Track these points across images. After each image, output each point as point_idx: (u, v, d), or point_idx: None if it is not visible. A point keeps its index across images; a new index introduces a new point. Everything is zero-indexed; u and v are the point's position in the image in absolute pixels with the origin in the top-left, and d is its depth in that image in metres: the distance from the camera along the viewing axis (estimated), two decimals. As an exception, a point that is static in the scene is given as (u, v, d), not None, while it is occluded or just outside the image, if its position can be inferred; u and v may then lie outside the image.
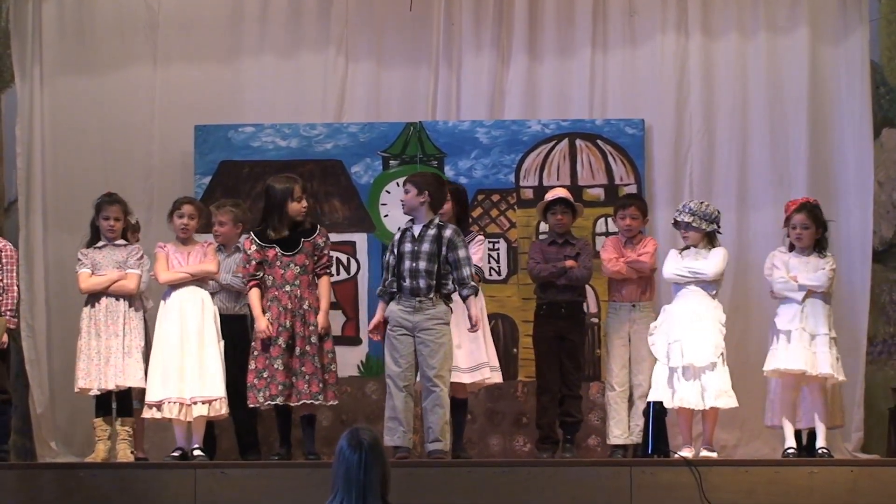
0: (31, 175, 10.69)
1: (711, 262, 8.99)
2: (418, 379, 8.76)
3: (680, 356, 8.85)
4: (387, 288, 8.82)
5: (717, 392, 8.80)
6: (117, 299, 9.09)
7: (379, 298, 8.95)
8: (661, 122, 10.76)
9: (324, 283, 9.07)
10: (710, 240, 9.09)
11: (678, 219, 9.14)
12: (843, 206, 10.33)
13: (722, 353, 8.88)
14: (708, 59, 10.79)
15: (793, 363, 8.81)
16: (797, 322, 8.85)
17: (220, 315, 9.15)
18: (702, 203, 9.16)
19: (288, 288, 8.99)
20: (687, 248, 9.10)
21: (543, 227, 10.10)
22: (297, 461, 8.92)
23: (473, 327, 8.75)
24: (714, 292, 9.01)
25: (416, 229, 8.77)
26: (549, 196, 9.65)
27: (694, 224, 9.02)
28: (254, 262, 8.99)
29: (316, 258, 9.07)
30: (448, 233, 8.72)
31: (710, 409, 8.84)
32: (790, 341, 8.84)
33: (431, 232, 8.73)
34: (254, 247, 9.01)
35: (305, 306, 8.97)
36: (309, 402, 8.86)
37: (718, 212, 9.14)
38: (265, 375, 8.87)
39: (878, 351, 10.37)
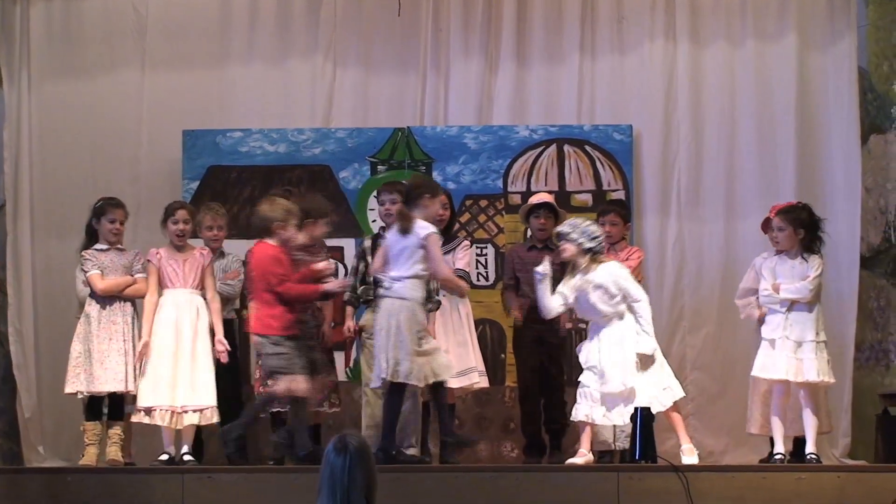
0: (18, 179, 10.67)
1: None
2: None
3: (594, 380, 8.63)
4: (361, 295, 8.83)
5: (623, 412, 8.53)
6: (123, 302, 9.02)
7: (349, 305, 9.03)
8: (649, 127, 10.76)
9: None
10: (594, 258, 8.62)
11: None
12: (831, 212, 10.26)
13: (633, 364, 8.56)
14: (696, 66, 10.80)
15: (774, 372, 8.79)
16: (780, 330, 8.80)
17: (209, 319, 9.14)
18: (584, 221, 8.74)
19: None
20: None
21: (532, 232, 10.08)
22: (285, 466, 8.93)
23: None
24: (614, 309, 8.63)
25: None
26: (533, 200, 9.63)
27: (565, 232, 8.63)
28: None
29: None
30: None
31: (669, 413, 8.71)
32: (774, 349, 8.82)
33: None
34: None
35: None
36: None
37: (600, 234, 8.67)
38: None
39: (865, 357, 10.37)
